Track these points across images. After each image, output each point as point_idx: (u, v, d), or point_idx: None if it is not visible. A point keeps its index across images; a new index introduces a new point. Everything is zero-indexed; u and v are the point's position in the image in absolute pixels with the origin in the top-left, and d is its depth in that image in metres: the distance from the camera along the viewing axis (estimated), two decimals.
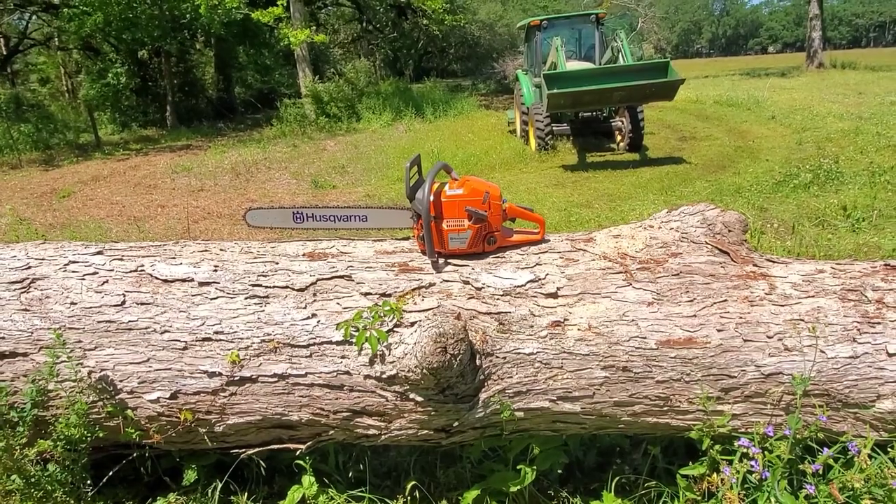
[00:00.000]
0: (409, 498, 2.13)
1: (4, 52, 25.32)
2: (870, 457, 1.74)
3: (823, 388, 1.81)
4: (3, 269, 2.09)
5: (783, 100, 15.33)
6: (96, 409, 1.97)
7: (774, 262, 2.03)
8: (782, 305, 1.87)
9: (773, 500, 1.74)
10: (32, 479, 1.95)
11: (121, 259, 2.11)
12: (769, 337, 1.83)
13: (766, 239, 4.83)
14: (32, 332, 1.97)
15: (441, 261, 2.03)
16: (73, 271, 2.07)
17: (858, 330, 1.81)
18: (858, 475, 1.71)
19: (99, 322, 1.97)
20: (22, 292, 2.03)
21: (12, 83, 28.82)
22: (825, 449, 1.77)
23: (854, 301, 1.86)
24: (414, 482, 2.14)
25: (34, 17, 24.04)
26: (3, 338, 1.97)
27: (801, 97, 15.69)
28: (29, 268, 2.09)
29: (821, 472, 1.76)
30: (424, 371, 1.75)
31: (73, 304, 2.00)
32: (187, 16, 18.25)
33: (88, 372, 1.94)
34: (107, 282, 2.04)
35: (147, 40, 19.05)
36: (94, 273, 2.07)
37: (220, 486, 2.20)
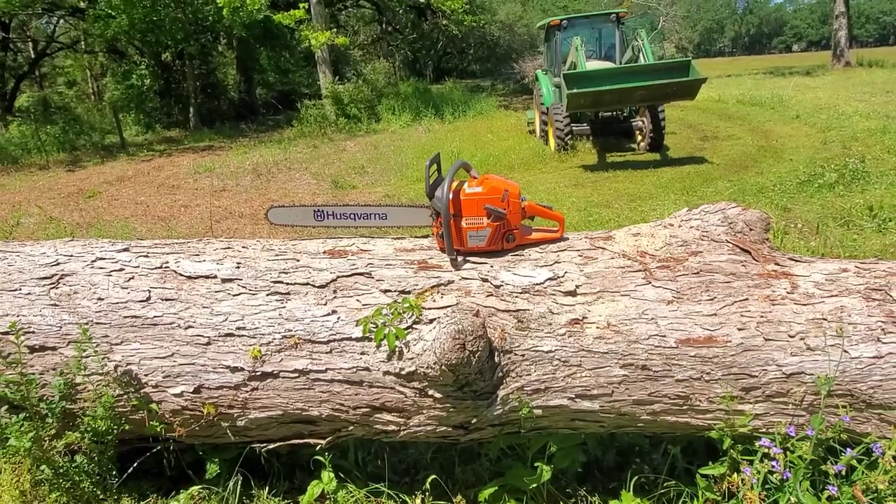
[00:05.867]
0: (426, 494, 2.14)
1: (33, 56, 25.87)
2: (894, 458, 1.71)
3: (847, 389, 1.79)
4: (34, 265, 2.15)
5: (808, 99, 15.09)
6: (122, 403, 2.01)
7: (797, 260, 2.01)
8: (805, 304, 1.85)
9: (794, 500, 1.72)
10: (61, 470, 2.00)
11: (146, 256, 2.16)
12: (791, 336, 1.81)
13: (789, 239, 4.76)
14: (61, 327, 2.02)
15: (460, 258, 2.04)
16: (101, 268, 2.12)
17: (883, 330, 1.79)
18: (883, 477, 1.68)
19: (125, 317, 2.02)
20: (51, 288, 2.09)
21: (40, 86, 29.52)
22: (848, 450, 1.75)
23: (879, 300, 1.84)
24: (433, 476, 2.16)
25: (61, 20, 24.54)
26: (33, 332, 2.02)
27: (827, 96, 15.43)
28: (58, 264, 2.15)
29: (844, 473, 1.74)
30: (443, 367, 1.77)
31: (100, 299, 2.05)
32: (210, 18, 18.56)
33: (115, 366, 1.99)
34: (133, 278, 2.09)
35: (170, 43, 19.40)
36: (121, 269, 2.11)
37: (241, 479, 2.23)
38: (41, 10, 20.02)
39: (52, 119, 19.20)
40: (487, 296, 1.94)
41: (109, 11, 17.71)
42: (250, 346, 1.96)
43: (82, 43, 24.95)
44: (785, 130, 11.47)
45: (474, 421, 1.95)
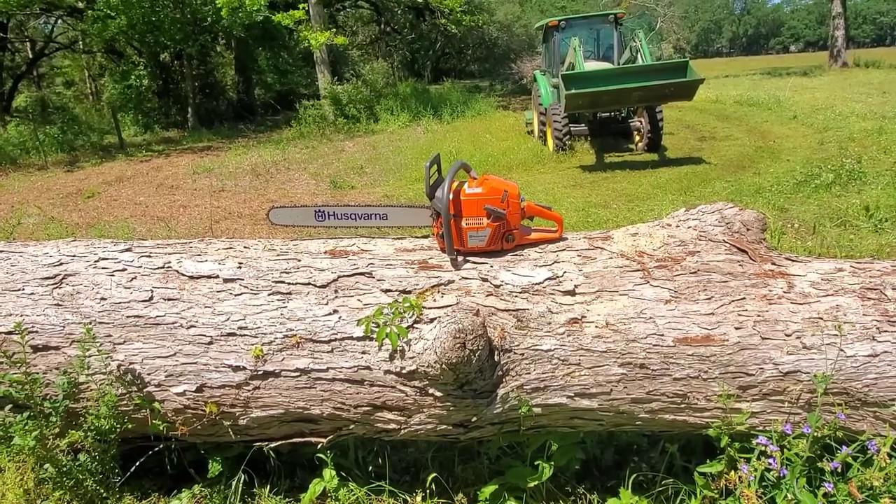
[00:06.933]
0: (427, 492, 2.16)
1: (31, 56, 25.84)
2: (889, 455, 1.73)
3: (842, 387, 1.81)
4: (37, 265, 2.16)
5: (805, 99, 15.14)
6: (125, 402, 2.03)
7: (793, 260, 2.03)
8: (801, 304, 1.88)
9: (791, 497, 1.74)
10: (64, 469, 2.01)
11: (148, 256, 2.18)
12: (787, 335, 1.83)
13: (786, 239, 4.79)
14: (64, 327, 2.04)
15: (460, 258, 2.06)
16: (104, 268, 2.14)
17: (878, 328, 1.81)
18: (878, 474, 1.70)
19: (128, 317, 2.03)
20: (54, 288, 2.10)
21: (38, 86, 29.46)
22: (844, 447, 1.77)
23: (874, 299, 1.86)
24: (434, 474, 2.17)
25: (59, 20, 24.51)
26: (37, 332, 2.03)
27: (824, 97, 15.49)
28: (61, 264, 2.16)
29: (839, 470, 1.76)
30: (443, 366, 1.79)
31: (103, 299, 2.06)
32: (209, 19, 18.55)
33: (117, 365, 2.00)
34: (135, 278, 2.10)
35: (169, 43, 19.41)
36: (123, 269, 2.13)
37: (243, 478, 2.25)
38: (39, 10, 20.00)
39: (51, 119, 19.19)
40: (487, 295, 1.96)
41: (108, 12, 17.70)
42: (252, 345, 1.97)
43: (80, 43, 24.92)
44: (782, 131, 11.51)
45: (474, 419, 1.96)
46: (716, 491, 1.93)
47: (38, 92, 27.34)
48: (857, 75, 22.21)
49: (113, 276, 2.12)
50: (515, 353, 1.90)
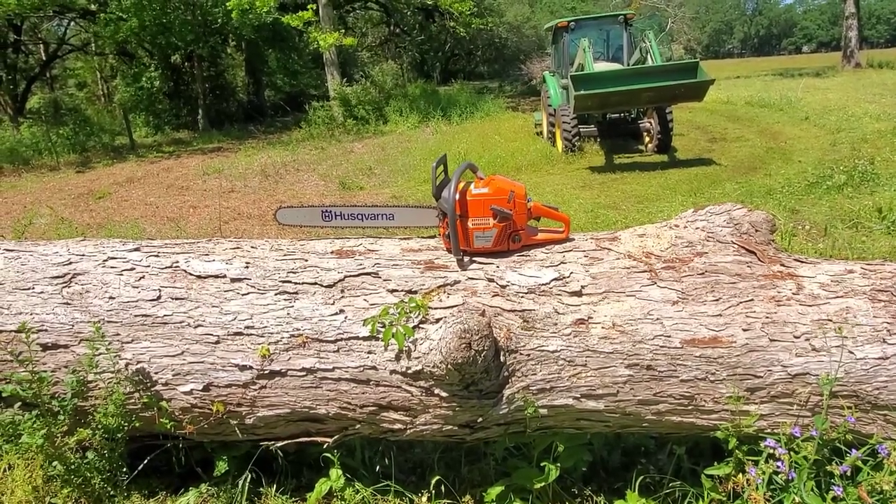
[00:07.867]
0: (433, 493, 2.16)
1: (44, 58, 26.09)
2: None
3: (852, 390, 1.79)
4: (46, 264, 2.18)
5: (817, 100, 15.01)
6: (133, 400, 2.04)
7: (802, 262, 2.01)
8: (810, 305, 1.86)
9: (799, 501, 1.73)
10: (72, 466, 2.03)
11: (157, 255, 2.19)
12: (796, 337, 1.82)
13: (797, 241, 4.75)
14: (73, 325, 2.06)
15: (466, 259, 2.06)
16: (112, 267, 2.15)
17: (889, 331, 1.79)
18: (888, 478, 1.69)
19: (136, 316, 2.05)
20: (63, 287, 2.12)
21: (51, 88, 29.75)
22: (854, 451, 1.75)
23: (884, 302, 1.84)
24: (438, 477, 2.17)
25: (72, 23, 24.74)
26: (46, 330, 2.05)
27: (836, 97, 15.33)
28: (70, 263, 2.18)
29: (849, 474, 1.74)
30: (449, 366, 1.78)
31: (111, 298, 2.08)
32: (219, 20, 18.67)
33: (125, 364, 2.02)
34: (143, 277, 2.12)
35: (180, 45, 19.56)
36: (132, 269, 2.14)
37: (249, 477, 2.26)
38: (52, 12, 20.19)
39: (63, 121, 19.38)
40: (493, 296, 1.96)
41: (120, 14, 17.88)
42: (259, 344, 1.98)
43: (93, 45, 25.13)
44: (794, 132, 11.42)
45: (480, 420, 1.96)
46: (723, 494, 1.92)
47: (51, 93, 27.62)
48: (870, 76, 21.99)
49: (121, 275, 2.13)
50: (521, 354, 1.89)
